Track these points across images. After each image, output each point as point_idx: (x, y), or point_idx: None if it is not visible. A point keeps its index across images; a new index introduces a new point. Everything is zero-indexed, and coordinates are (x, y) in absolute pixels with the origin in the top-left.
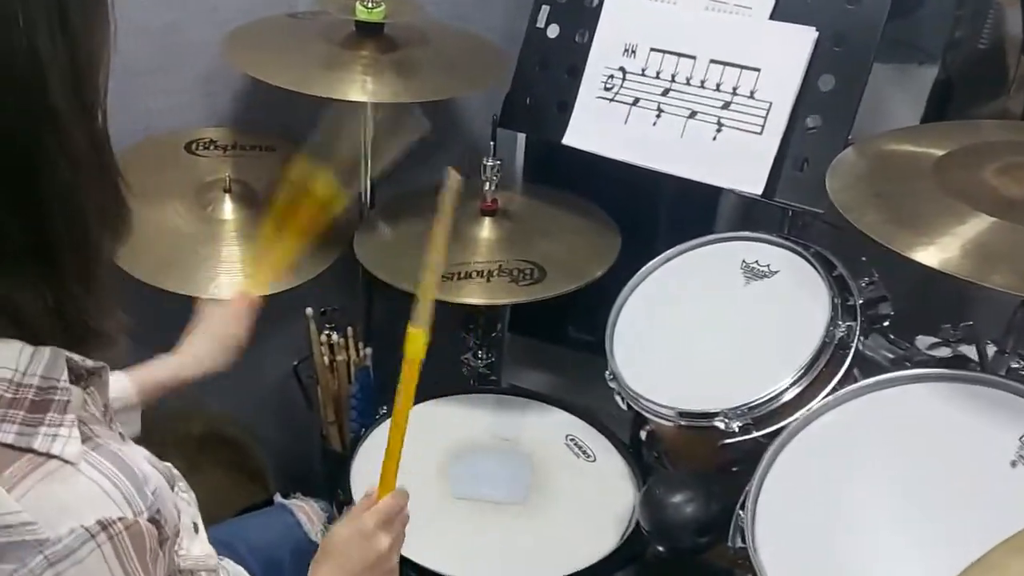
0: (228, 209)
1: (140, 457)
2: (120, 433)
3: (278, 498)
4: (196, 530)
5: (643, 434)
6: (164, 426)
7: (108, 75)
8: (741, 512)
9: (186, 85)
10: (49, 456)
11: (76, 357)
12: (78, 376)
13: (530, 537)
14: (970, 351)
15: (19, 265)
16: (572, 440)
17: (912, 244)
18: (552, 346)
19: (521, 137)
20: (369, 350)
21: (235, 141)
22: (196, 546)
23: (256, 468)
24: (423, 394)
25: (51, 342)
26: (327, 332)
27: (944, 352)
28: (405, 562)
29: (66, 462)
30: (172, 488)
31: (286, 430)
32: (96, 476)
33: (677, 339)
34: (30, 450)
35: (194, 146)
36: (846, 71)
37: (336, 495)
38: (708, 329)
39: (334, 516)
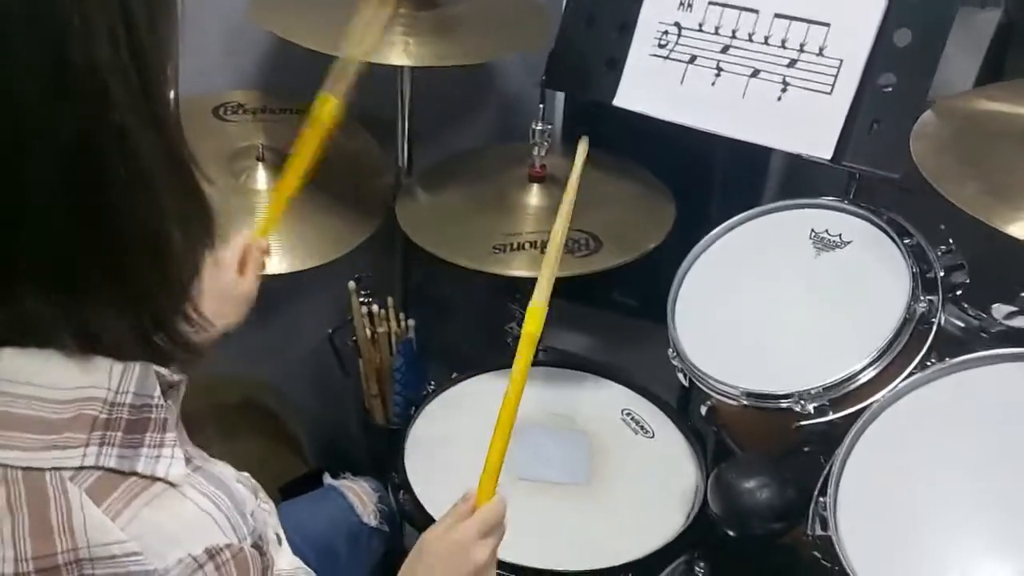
0: (262, 179)
1: (231, 475)
2: (199, 446)
3: (328, 479)
4: (280, 542)
5: (703, 409)
6: (198, 394)
7: (178, 75)
8: (822, 498)
9: (210, 46)
10: (154, 479)
11: (163, 371)
12: (163, 387)
13: (595, 520)
14: None
15: (98, 288)
16: (628, 415)
17: (1012, 219)
18: (596, 310)
19: (559, 98)
20: (412, 321)
21: (264, 104)
22: (282, 558)
23: (293, 438)
24: (470, 368)
25: (140, 359)
26: (365, 301)
27: (1022, 321)
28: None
29: (171, 484)
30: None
31: (322, 400)
32: (201, 500)
33: (743, 313)
34: (133, 473)
35: (222, 110)
36: (925, 24)
37: (391, 477)
38: (777, 303)
39: (386, 498)
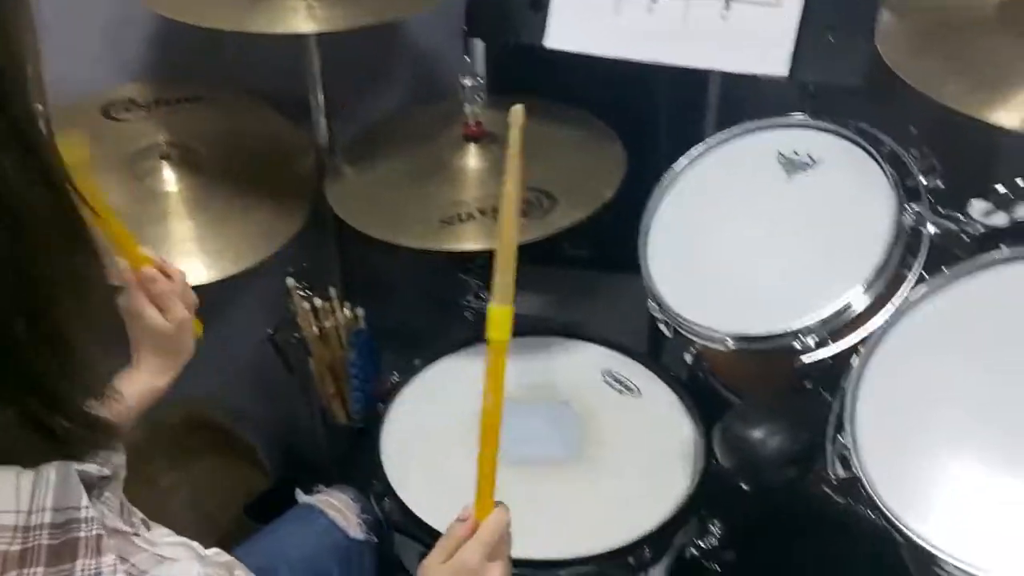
0: (171, 179)
1: (194, 574)
2: (143, 520)
3: (302, 497)
4: None
5: (688, 357)
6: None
7: (43, 83)
8: (840, 437)
9: (86, 41)
10: None
11: (89, 467)
12: (89, 486)
13: (596, 495)
14: None
15: None
16: (610, 375)
17: (1003, 109)
18: (547, 267)
19: (482, 47)
20: (361, 310)
21: (158, 96)
22: None
23: (249, 451)
24: (430, 350)
25: (48, 457)
26: (305, 296)
27: (1001, 219)
28: None
29: None
30: None
31: (273, 406)
32: None
33: (721, 252)
34: None
35: (112, 109)
36: None
37: (371, 485)
38: (754, 236)
39: (368, 506)
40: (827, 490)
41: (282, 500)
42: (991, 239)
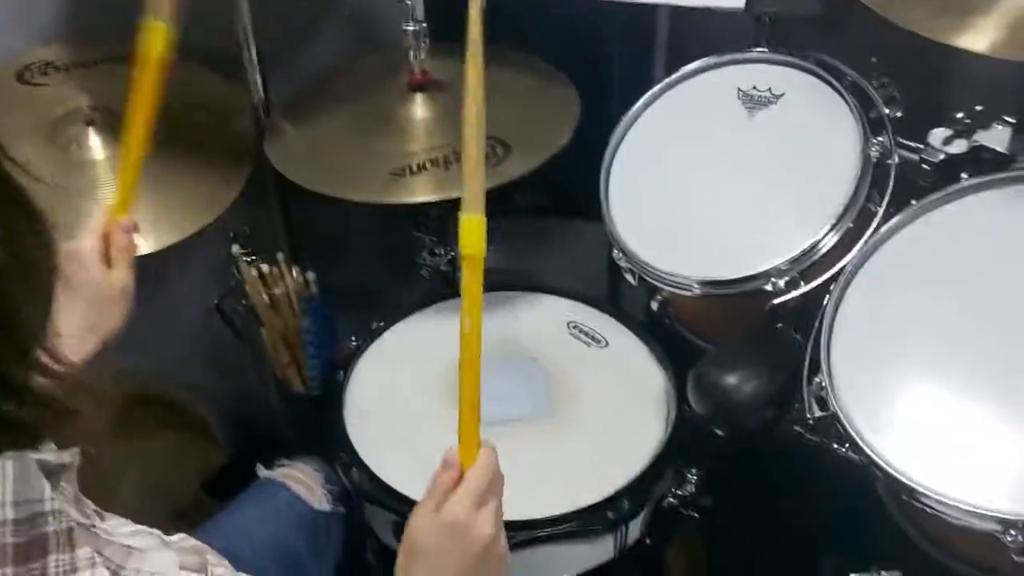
0: (96, 145)
1: (171, 563)
2: (96, 511)
3: (262, 472)
4: None
5: (654, 304)
6: (84, 399)
7: None
8: (816, 379)
9: None
10: None
11: (44, 456)
12: (48, 476)
13: (570, 452)
14: (987, 137)
15: None
16: (575, 327)
17: (972, 32)
18: (499, 217)
19: None
20: (312, 274)
21: (77, 57)
22: None
23: (202, 425)
24: (385, 312)
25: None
26: (250, 261)
27: (960, 145)
28: None
29: None
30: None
31: (224, 378)
32: None
33: (685, 195)
34: None
35: (27, 74)
36: None
37: (338, 456)
38: (718, 177)
39: (333, 476)
40: (800, 430)
41: (241, 475)
42: (950, 167)
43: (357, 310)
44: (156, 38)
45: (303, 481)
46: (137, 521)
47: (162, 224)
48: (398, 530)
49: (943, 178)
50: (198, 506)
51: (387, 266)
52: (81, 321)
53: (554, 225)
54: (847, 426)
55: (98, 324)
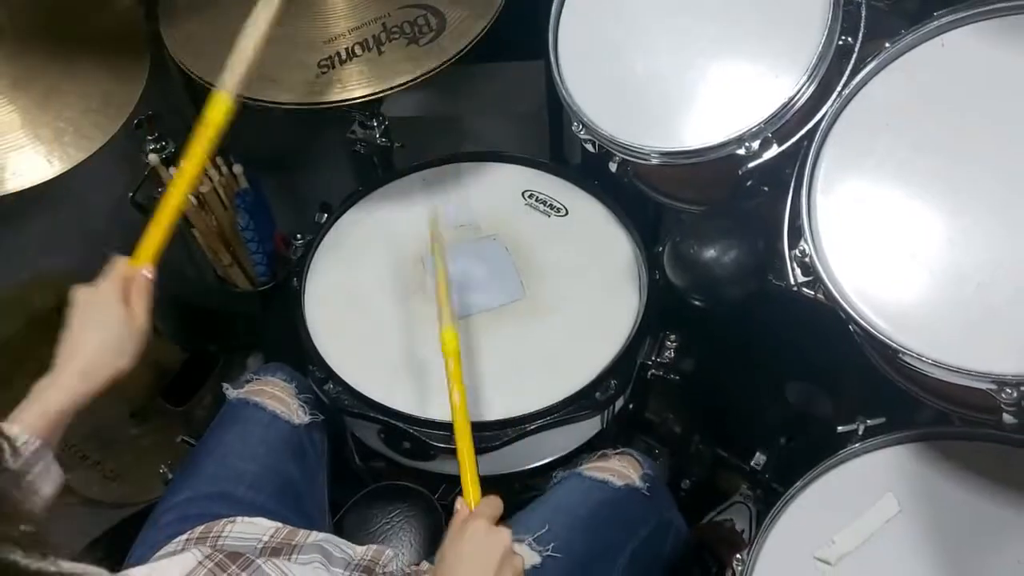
0: None
1: None
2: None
3: (231, 392)
4: None
5: (612, 165)
6: (10, 315)
7: None
8: (803, 245)
9: None
10: None
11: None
12: None
13: (552, 333)
14: None
15: None
16: (532, 197)
17: None
18: None
19: None
20: (239, 167)
21: None
22: None
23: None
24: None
25: None
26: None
27: None
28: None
29: None
30: None
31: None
32: None
33: (645, 56)
34: None
35: None
36: None
37: (310, 372)
38: (677, 29)
39: (304, 382)
40: (781, 285)
41: (198, 374)
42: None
43: (292, 200)
44: (220, 107)
45: (276, 396)
46: (97, 422)
47: (64, 141)
48: (382, 434)
49: (915, 17)
50: (155, 406)
51: (316, 148)
52: (96, 358)
53: (485, 67)
54: (835, 294)
55: (113, 361)
